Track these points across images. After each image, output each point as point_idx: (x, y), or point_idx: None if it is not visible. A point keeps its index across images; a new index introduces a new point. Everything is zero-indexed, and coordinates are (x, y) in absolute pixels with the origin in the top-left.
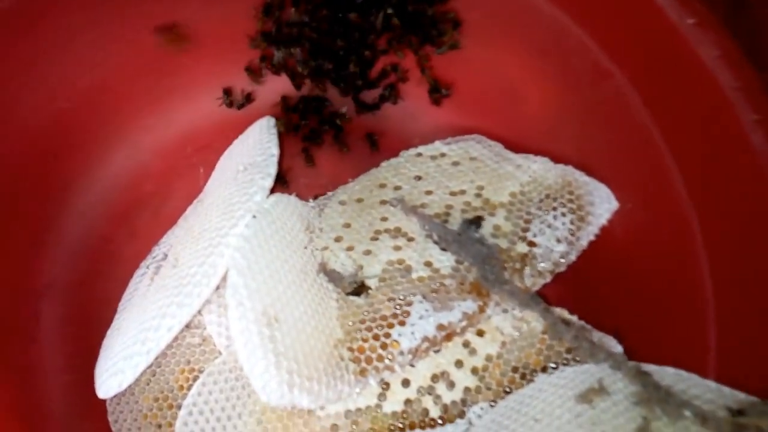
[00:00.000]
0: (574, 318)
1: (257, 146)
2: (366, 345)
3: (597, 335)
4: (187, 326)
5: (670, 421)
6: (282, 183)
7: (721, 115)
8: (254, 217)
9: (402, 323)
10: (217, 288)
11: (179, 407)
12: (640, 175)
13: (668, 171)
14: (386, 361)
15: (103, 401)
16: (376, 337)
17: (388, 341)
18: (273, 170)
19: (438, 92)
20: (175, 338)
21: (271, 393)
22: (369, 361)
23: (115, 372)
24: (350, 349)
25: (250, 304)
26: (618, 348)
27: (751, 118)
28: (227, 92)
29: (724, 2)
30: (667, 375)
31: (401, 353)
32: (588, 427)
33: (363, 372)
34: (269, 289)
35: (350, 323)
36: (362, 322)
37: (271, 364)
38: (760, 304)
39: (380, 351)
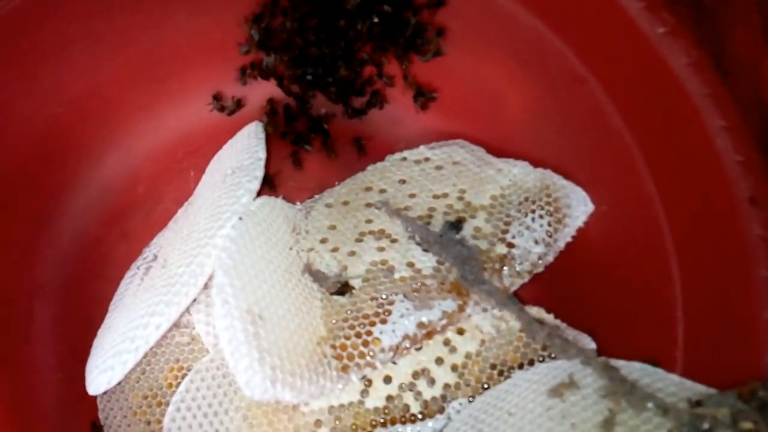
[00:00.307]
0: (550, 317)
1: (245, 150)
2: (348, 342)
3: (572, 333)
4: (176, 326)
5: (635, 412)
6: (270, 186)
7: (689, 121)
8: (240, 219)
9: (383, 321)
10: (206, 288)
11: (168, 404)
12: (614, 179)
13: (640, 175)
14: (368, 357)
15: (95, 398)
16: (358, 335)
17: (369, 339)
18: (260, 173)
19: (423, 96)
20: (165, 337)
21: (254, 388)
22: (351, 357)
23: (104, 369)
24: (333, 347)
25: (234, 302)
26: (591, 345)
27: (718, 123)
28: (217, 98)
29: (689, 13)
30: (633, 369)
31: (382, 350)
32: (558, 420)
33: (345, 368)
34: (254, 288)
35: (333, 321)
36: (345, 320)
37: (254, 360)
38: (724, 302)
39: (362, 348)
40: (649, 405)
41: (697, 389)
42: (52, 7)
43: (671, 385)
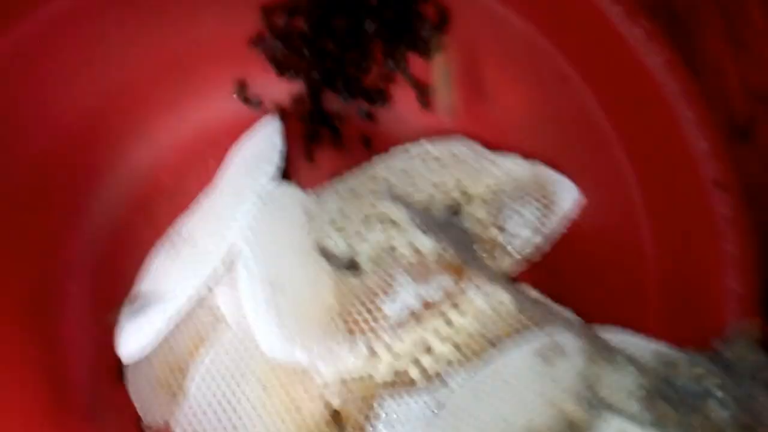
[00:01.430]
0: (540, 295)
1: (263, 138)
2: (355, 311)
3: (559, 309)
4: (200, 305)
5: (613, 370)
6: (285, 177)
7: (663, 114)
8: (259, 197)
9: (386, 294)
10: (228, 269)
11: (191, 376)
12: (597, 169)
13: (620, 164)
14: (372, 324)
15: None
16: (363, 305)
17: (373, 308)
18: (276, 158)
19: (422, 90)
20: (189, 315)
21: (274, 349)
22: (357, 324)
23: (136, 335)
24: (341, 315)
25: (257, 272)
26: (574, 316)
27: (688, 115)
28: (242, 85)
29: (663, 18)
30: (607, 331)
31: (386, 319)
32: (549, 384)
33: (352, 333)
34: (274, 260)
35: (342, 294)
36: (353, 293)
37: (274, 324)
38: (693, 275)
39: (367, 316)
40: (627, 365)
41: (669, 351)
42: (92, 11)
43: (646, 347)
